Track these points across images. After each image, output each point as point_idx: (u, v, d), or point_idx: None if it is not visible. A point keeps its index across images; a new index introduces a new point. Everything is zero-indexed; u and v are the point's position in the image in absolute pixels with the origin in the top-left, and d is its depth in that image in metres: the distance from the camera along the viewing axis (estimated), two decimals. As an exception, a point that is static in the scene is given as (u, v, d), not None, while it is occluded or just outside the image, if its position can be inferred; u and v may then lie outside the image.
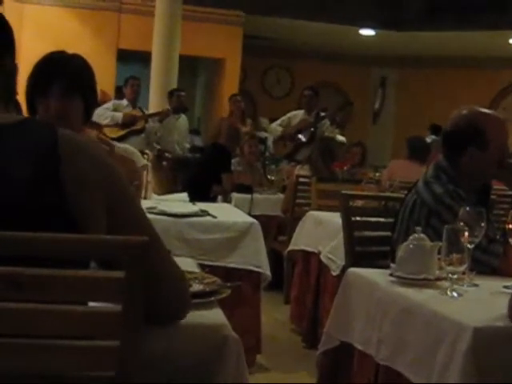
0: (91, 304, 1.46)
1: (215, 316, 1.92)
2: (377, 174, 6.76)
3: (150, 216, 4.29)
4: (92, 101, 2.74)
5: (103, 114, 8.36)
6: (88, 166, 1.56)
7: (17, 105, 2.79)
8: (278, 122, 9.41)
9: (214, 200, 6.79)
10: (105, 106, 8.65)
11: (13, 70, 1.70)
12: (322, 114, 9.23)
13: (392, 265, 2.72)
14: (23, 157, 1.50)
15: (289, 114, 9.40)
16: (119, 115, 8.57)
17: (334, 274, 4.65)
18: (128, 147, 3.56)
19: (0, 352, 1.30)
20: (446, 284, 2.52)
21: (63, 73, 2.63)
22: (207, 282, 2.17)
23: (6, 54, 1.66)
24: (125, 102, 8.85)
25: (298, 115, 9.30)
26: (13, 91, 1.73)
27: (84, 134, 2.74)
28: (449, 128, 3.24)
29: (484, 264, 2.92)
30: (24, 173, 1.48)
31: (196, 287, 2.09)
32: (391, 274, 2.68)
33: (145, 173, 4.80)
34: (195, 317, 1.85)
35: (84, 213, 1.50)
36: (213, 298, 2.04)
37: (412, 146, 7.30)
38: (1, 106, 1.62)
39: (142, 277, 1.28)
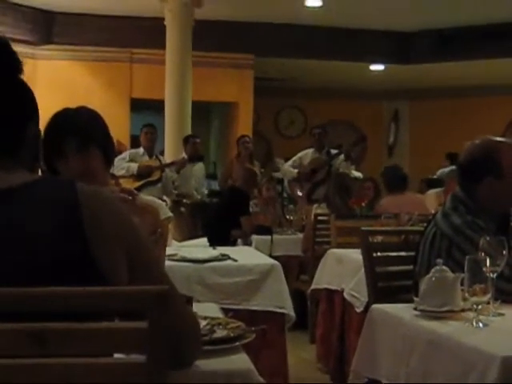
0: (116, 355, 1.47)
1: (240, 361, 1.92)
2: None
3: (171, 263, 4.33)
4: (110, 149, 2.71)
5: (119, 166, 8.34)
6: (110, 220, 1.58)
7: (41, 170, 2.77)
8: (290, 163, 9.42)
9: (234, 243, 6.79)
10: (121, 156, 8.63)
11: (36, 137, 1.72)
12: (334, 151, 9.24)
13: (415, 298, 2.71)
14: (44, 215, 1.52)
15: (299, 154, 9.41)
16: (134, 166, 8.51)
17: (358, 310, 4.62)
18: (155, 200, 3.56)
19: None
20: (470, 315, 2.50)
21: (74, 129, 2.60)
22: (231, 326, 2.17)
23: (30, 122, 1.69)
24: (141, 150, 8.79)
25: (308, 154, 9.30)
26: (37, 157, 1.76)
27: (107, 186, 2.72)
28: (464, 159, 3.24)
29: (508, 293, 2.90)
30: (46, 230, 1.50)
31: (220, 333, 2.09)
32: (415, 308, 2.67)
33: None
34: (220, 363, 1.85)
35: (107, 266, 1.52)
36: (238, 343, 2.03)
37: (389, 177, 7.20)
38: (25, 173, 1.64)
39: (164, 326, 1.29)
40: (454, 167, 11.17)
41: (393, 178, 7.13)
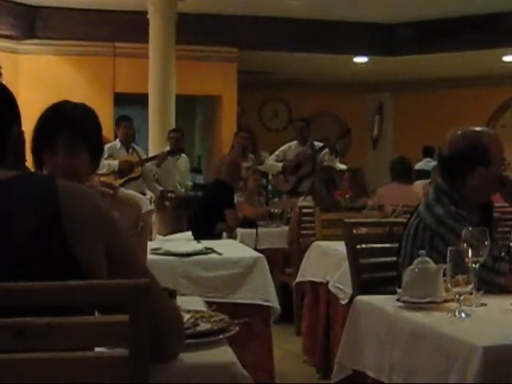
0: (98, 349, 1.47)
1: (224, 354, 1.92)
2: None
3: (155, 257, 4.33)
4: (98, 151, 2.69)
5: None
6: (88, 215, 1.60)
7: (26, 170, 2.75)
8: (273, 157, 9.36)
9: (219, 237, 6.78)
10: None
11: (20, 137, 1.76)
12: (318, 144, 9.21)
13: (398, 290, 2.72)
14: (23, 210, 1.53)
15: (282, 148, 9.34)
16: (115, 163, 8.49)
17: (343, 302, 4.64)
18: (135, 194, 3.55)
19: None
20: (453, 306, 2.51)
21: (68, 125, 2.57)
22: (214, 320, 2.17)
23: (14, 123, 1.73)
24: (118, 144, 8.76)
25: (291, 147, 9.24)
26: (21, 158, 1.78)
27: (89, 180, 2.70)
28: (450, 152, 3.22)
29: (490, 283, 2.91)
30: (25, 225, 1.51)
31: (203, 326, 2.10)
32: (398, 300, 2.68)
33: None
34: (203, 356, 1.85)
35: (86, 260, 1.54)
36: (221, 336, 2.04)
37: (395, 168, 7.27)
38: (4, 170, 1.65)
39: (146, 319, 1.29)
40: (429, 159, 11.29)
41: (397, 169, 7.21)
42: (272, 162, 9.32)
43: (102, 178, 6.22)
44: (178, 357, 1.77)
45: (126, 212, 2.48)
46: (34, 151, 2.58)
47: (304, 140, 9.17)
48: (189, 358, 1.83)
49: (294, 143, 9.30)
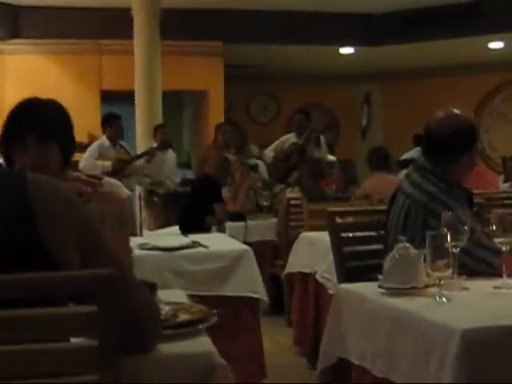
0: (73, 340, 1.48)
1: (202, 344, 1.93)
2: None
3: (142, 252, 4.32)
4: (69, 145, 2.64)
5: (90, 165, 8.38)
6: (59, 207, 1.60)
7: None
8: (271, 147, 9.42)
9: (208, 231, 6.78)
10: (89, 152, 8.67)
11: None
12: (313, 135, 9.24)
13: (380, 276, 2.73)
14: None
15: (282, 139, 9.42)
16: (108, 164, 8.57)
17: (331, 292, 4.63)
18: (114, 181, 3.55)
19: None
20: (434, 291, 2.52)
21: (37, 122, 2.55)
22: (193, 310, 2.18)
23: None
24: (106, 141, 8.84)
25: (289, 139, 9.31)
26: None
27: (64, 177, 2.69)
28: (441, 132, 3.23)
29: (485, 261, 2.93)
30: None
31: (182, 317, 2.10)
32: (380, 286, 2.69)
33: (137, 208, 4.79)
34: (182, 346, 1.86)
35: (57, 251, 1.53)
36: (200, 326, 2.04)
37: (370, 158, 7.17)
38: None
39: (113, 309, 1.29)
40: (420, 148, 11.25)
41: (376, 158, 7.11)
42: (268, 152, 9.37)
43: (106, 178, 6.24)
44: (154, 348, 1.77)
45: (110, 207, 2.47)
46: (4, 148, 2.56)
47: (302, 132, 9.20)
48: (167, 348, 1.84)
49: (292, 135, 9.34)
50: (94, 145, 9.00)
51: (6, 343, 1.30)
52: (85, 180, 2.81)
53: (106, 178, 3.53)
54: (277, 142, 9.43)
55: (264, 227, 7.21)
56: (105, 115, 9.25)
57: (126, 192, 3.41)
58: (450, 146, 3.21)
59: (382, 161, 6.98)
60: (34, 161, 2.47)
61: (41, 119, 2.56)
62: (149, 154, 8.91)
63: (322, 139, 9.40)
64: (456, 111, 3.32)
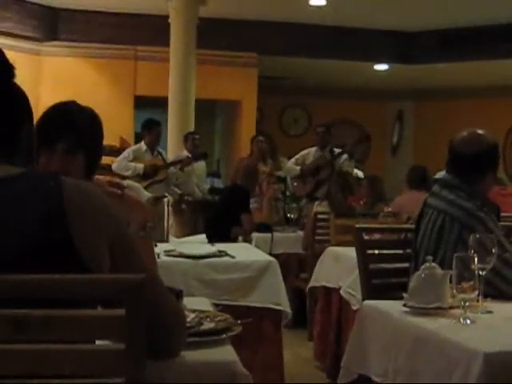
0: (98, 342, 1.50)
1: (225, 353, 1.94)
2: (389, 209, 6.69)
3: (168, 258, 4.35)
4: (95, 157, 2.56)
5: (123, 166, 8.44)
6: (92, 213, 1.63)
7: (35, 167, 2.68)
8: (293, 161, 9.43)
9: (234, 241, 6.80)
10: (124, 155, 8.71)
11: (31, 136, 1.78)
12: (336, 150, 9.26)
13: (405, 295, 2.73)
14: (27, 205, 1.56)
15: (302, 152, 9.42)
16: (140, 167, 8.61)
17: (355, 308, 4.64)
18: (132, 183, 3.56)
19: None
20: (458, 312, 2.53)
21: (71, 129, 2.47)
22: (219, 319, 2.20)
23: (26, 121, 1.76)
24: (144, 146, 8.86)
25: (310, 152, 9.31)
26: (31, 156, 1.81)
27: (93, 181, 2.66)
28: (473, 151, 3.27)
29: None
30: (29, 219, 1.54)
31: (207, 325, 2.12)
32: (404, 305, 2.69)
33: (165, 214, 4.81)
34: (205, 354, 1.88)
35: (89, 257, 1.56)
36: (224, 336, 2.06)
37: (410, 176, 7.17)
38: (10, 166, 1.68)
39: (142, 313, 1.32)
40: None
41: (414, 176, 7.12)
42: (291, 165, 9.38)
43: (127, 181, 6.28)
44: (179, 354, 1.80)
45: (135, 213, 2.46)
46: None
47: (324, 145, 9.23)
48: (191, 355, 1.86)
49: (313, 148, 9.36)
50: (131, 148, 9.08)
51: (37, 342, 1.33)
52: (110, 182, 2.78)
53: (127, 181, 3.53)
54: (297, 156, 9.44)
55: (290, 240, 7.23)
56: (145, 121, 9.24)
57: (146, 194, 3.43)
58: (478, 165, 3.24)
59: (420, 179, 7.01)
60: (58, 167, 2.41)
61: (74, 128, 2.49)
62: (183, 162, 8.94)
63: (347, 155, 9.39)
64: (479, 131, 3.36)
